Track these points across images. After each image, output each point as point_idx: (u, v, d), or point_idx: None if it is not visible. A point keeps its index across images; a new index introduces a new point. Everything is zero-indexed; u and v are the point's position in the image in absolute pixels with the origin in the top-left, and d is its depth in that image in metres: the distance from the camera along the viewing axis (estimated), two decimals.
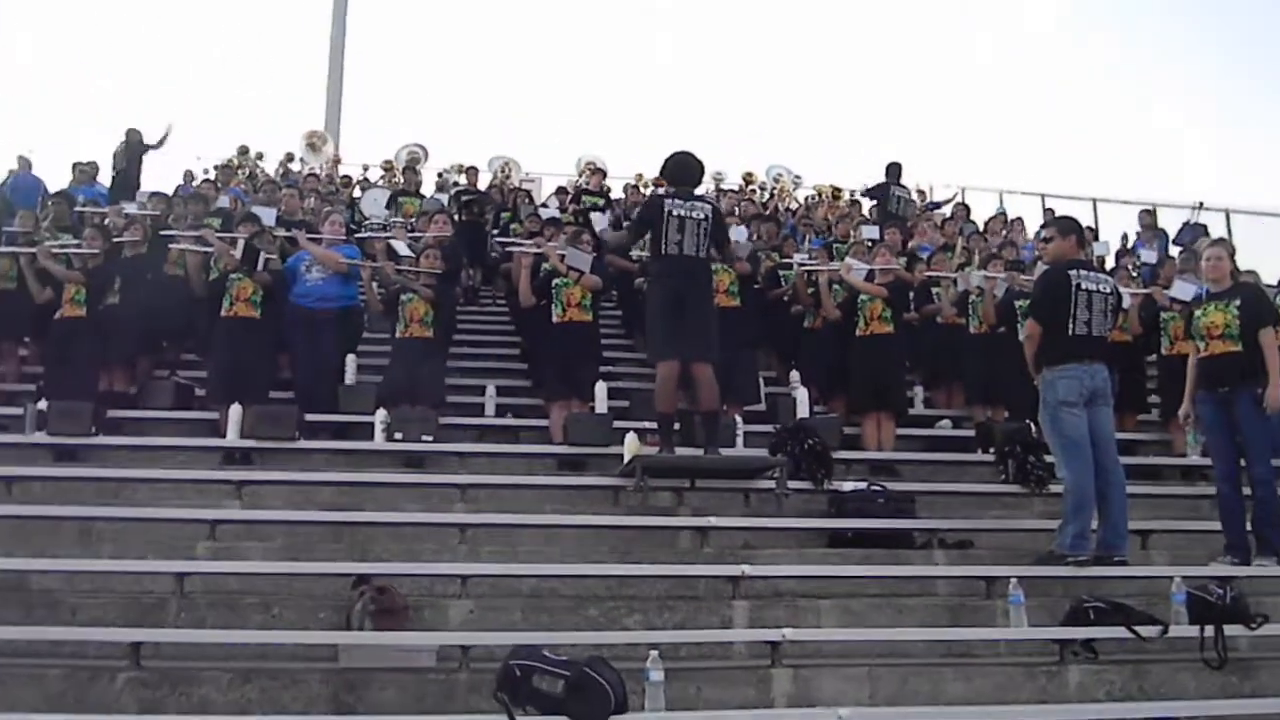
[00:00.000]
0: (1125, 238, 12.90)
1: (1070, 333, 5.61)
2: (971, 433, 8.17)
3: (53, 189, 11.96)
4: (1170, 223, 12.73)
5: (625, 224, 9.77)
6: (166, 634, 4.64)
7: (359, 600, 4.69)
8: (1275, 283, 7.30)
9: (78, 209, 10.43)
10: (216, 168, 15.39)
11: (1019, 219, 13.41)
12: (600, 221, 10.59)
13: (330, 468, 6.94)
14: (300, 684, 4.27)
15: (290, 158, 16.70)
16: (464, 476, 6.72)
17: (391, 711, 4.17)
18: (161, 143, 13.63)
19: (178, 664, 4.43)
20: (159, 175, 13.99)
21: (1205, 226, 12.15)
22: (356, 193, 14.47)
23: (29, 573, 5.19)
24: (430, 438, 7.14)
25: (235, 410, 7.10)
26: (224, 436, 7.17)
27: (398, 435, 7.09)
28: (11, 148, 15.79)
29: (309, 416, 7.36)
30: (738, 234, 9.12)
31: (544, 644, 4.05)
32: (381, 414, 7.21)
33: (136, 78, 43.66)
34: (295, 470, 6.78)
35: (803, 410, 7.94)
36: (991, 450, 7.37)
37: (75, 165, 12.98)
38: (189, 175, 14.67)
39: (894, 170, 13.32)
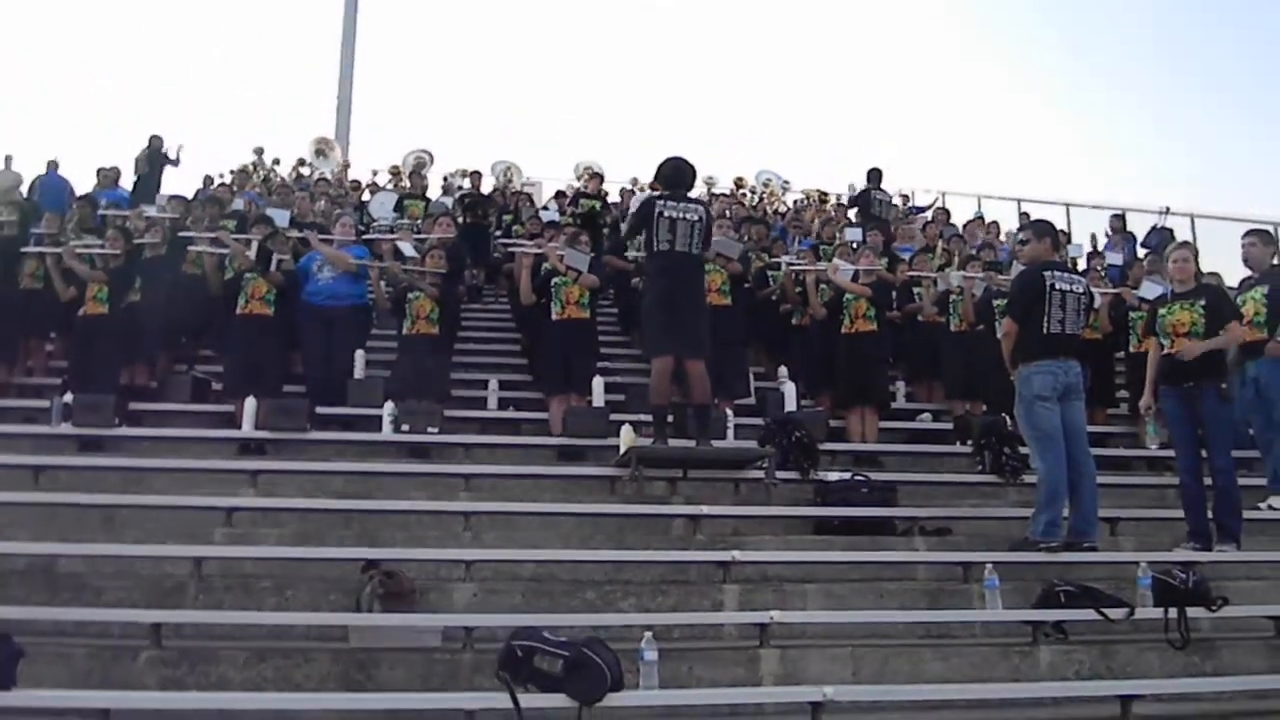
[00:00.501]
0: (1095, 240, 12.94)
1: (1045, 331, 5.62)
2: (950, 426, 8.17)
3: (78, 192, 11.99)
4: (1139, 226, 12.78)
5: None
6: (186, 615, 4.66)
7: (368, 583, 4.70)
8: (1236, 284, 7.28)
9: (101, 211, 10.42)
10: (233, 172, 15.37)
11: (996, 222, 13.42)
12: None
13: (340, 458, 6.93)
14: (313, 663, 4.28)
15: (302, 163, 16.67)
16: (468, 466, 6.72)
17: (399, 689, 4.18)
18: (177, 160, 13.87)
19: (196, 643, 4.44)
20: (179, 181, 14.11)
21: (1171, 230, 12.18)
22: (365, 196, 14.46)
23: (56, 557, 5.19)
24: (435, 430, 7.13)
25: (250, 403, 7.10)
26: (239, 428, 7.16)
27: (404, 427, 7.08)
28: (16, 147, 15.83)
29: (320, 409, 7.33)
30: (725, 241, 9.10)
31: (544, 626, 4.05)
32: (389, 407, 7.20)
33: (160, 89, 43.50)
34: (307, 460, 6.79)
35: (790, 404, 7.96)
36: (969, 442, 7.37)
37: (99, 170, 13.04)
38: (208, 180, 14.65)
39: (874, 176, 13.31)
